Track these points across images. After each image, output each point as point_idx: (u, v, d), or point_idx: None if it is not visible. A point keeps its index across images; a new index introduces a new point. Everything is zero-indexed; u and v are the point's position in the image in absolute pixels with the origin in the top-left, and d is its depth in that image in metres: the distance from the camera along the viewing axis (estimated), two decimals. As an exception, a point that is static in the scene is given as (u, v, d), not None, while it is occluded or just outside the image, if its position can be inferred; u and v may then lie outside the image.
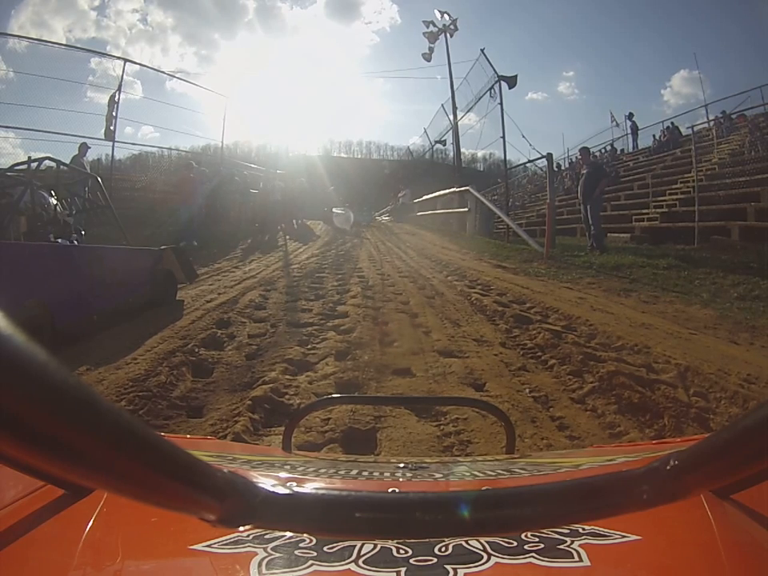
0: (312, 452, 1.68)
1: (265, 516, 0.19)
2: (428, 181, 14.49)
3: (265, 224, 10.04)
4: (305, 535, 0.35)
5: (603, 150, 14.66)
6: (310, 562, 0.33)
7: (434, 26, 16.13)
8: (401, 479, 0.53)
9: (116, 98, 10.05)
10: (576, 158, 12.98)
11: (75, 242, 3.64)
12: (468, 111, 14.36)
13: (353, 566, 0.32)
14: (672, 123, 12.55)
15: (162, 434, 1.29)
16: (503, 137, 10.86)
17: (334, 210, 12.28)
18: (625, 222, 9.00)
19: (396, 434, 1.96)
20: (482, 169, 20.87)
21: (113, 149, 10.02)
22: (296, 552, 0.34)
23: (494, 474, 0.55)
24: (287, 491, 0.20)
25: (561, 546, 0.34)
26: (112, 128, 9.96)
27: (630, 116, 14.74)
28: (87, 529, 0.38)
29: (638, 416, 2.14)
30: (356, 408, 2.10)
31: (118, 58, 10.70)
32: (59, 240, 3.45)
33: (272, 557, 0.33)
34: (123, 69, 10.24)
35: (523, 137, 11.82)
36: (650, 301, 4.43)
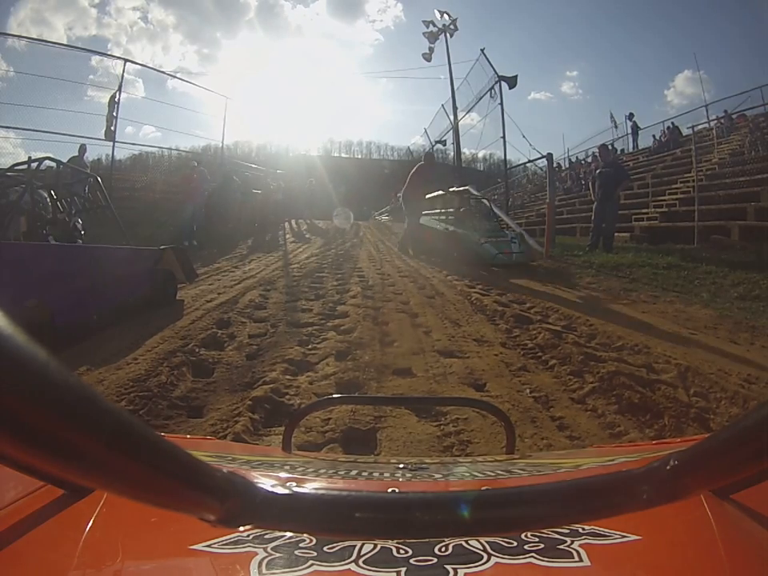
0: (312, 452, 1.67)
1: (265, 516, 0.19)
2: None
3: (265, 224, 10.06)
4: (305, 535, 0.35)
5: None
6: (310, 562, 0.33)
7: (434, 25, 16.12)
8: (400, 479, 0.53)
9: (116, 98, 10.06)
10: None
11: (75, 242, 3.65)
12: (468, 111, 14.34)
13: (353, 566, 0.32)
14: (672, 123, 12.58)
15: (162, 433, 1.29)
16: (503, 137, 10.85)
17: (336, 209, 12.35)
18: (624, 222, 9.01)
19: (396, 434, 1.96)
20: (482, 169, 20.89)
21: (113, 149, 10.05)
22: (296, 552, 0.34)
23: (493, 474, 0.55)
24: (287, 491, 0.20)
25: (561, 546, 0.34)
26: (112, 128, 9.97)
27: (631, 116, 14.79)
28: (87, 529, 0.37)
29: (638, 416, 2.14)
30: (356, 408, 2.09)
31: (118, 57, 10.71)
32: (58, 240, 3.46)
33: (272, 557, 0.33)
34: (123, 69, 10.26)
35: (523, 137, 11.78)
36: (650, 301, 4.43)
